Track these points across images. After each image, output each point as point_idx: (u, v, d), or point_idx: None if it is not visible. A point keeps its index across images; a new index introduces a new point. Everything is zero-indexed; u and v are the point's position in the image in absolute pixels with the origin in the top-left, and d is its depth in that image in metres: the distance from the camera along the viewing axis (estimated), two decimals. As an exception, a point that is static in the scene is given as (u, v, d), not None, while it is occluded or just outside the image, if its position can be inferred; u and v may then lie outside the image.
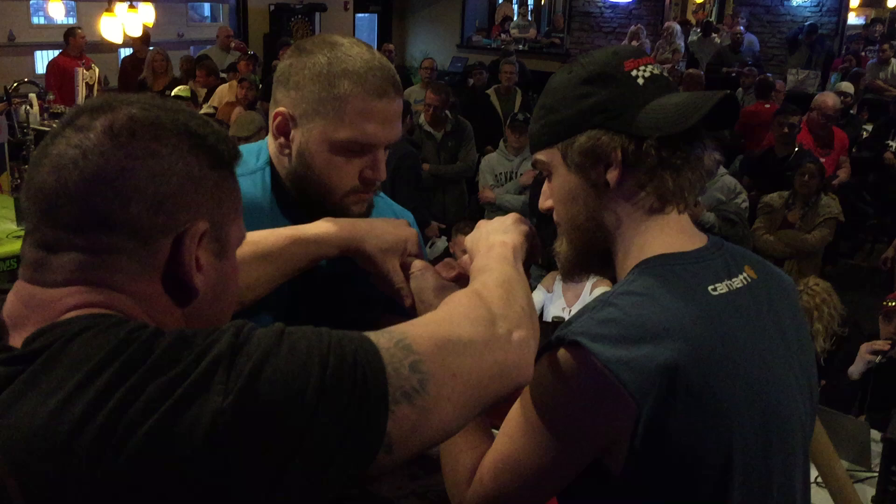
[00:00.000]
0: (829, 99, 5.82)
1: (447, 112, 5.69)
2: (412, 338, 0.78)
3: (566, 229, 1.10)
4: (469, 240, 1.14)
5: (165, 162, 0.77)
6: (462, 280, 1.15)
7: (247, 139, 4.66)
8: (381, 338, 0.77)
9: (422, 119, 5.69)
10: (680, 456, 0.94)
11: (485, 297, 0.89)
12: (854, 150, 6.57)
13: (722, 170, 4.95)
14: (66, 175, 0.74)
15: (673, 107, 1.01)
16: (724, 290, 1.00)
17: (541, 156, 1.10)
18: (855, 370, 3.16)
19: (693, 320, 0.95)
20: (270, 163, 1.31)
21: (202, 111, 5.78)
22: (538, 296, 4.04)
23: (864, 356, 3.16)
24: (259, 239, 1.14)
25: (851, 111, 7.40)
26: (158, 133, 0.77)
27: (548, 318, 3.91)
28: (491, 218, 4.21)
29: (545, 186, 1.12)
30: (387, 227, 1.23)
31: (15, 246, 3.40)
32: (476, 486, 1.04)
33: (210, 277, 0.82)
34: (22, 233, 3.50)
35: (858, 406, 3.16)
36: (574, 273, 1.12)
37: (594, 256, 1.09)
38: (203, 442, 0.66)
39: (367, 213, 1.29)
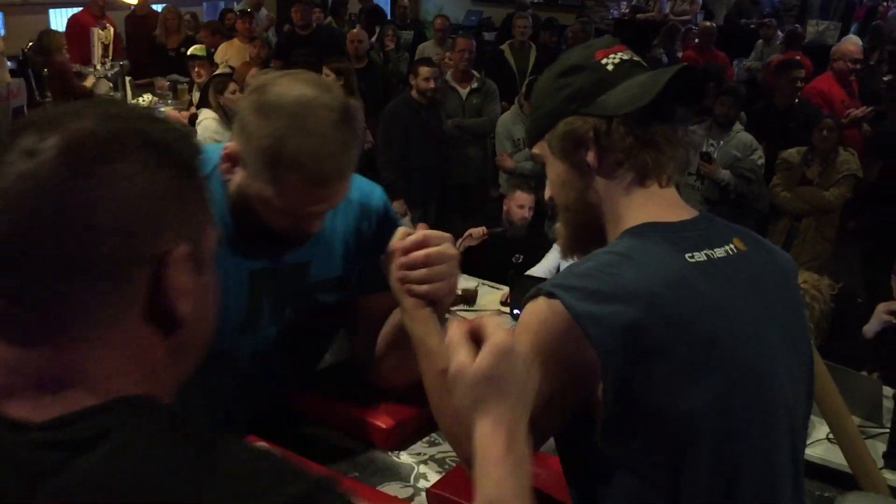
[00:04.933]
0: (850, 45, 5.74)
1: (473, 71, 5.68)
2: None
3: (561, 212, 1.18)
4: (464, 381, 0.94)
5: (133, 185, 0.67)
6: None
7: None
8: None
9: (448, 75, 5.66)
10: (645, 413, 0.99)
11: None
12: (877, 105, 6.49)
13: (737, 126, 4.92)
14: (21, 218, 0.65)
15: (637, 85, 1.09)
16: (702, 259, 1.05)
17: (535, 149, 1.19)
18: (870, 329, 3.18)
19: (664, 283, 1.00)
20: None
21: (218, 71, 5.78)
22: (553, 255, 4.06)
23: (881, 316, 3.16)
24: None
25: (871, 62, 7.30)
26: (119, 152, 0.68)
27: (564, 276, 3.94)
28: (508, 180, 4.17)
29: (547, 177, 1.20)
30: None
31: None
32: None
33: (192, 299, 0.73)
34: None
35: (871, 364, 3.18)
36: (573, 251, 1.19)
37: (588, 234, 1.15)
38: None
39: (315, 230, 1.32)
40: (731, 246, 1.09)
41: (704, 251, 1.05)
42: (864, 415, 2.75)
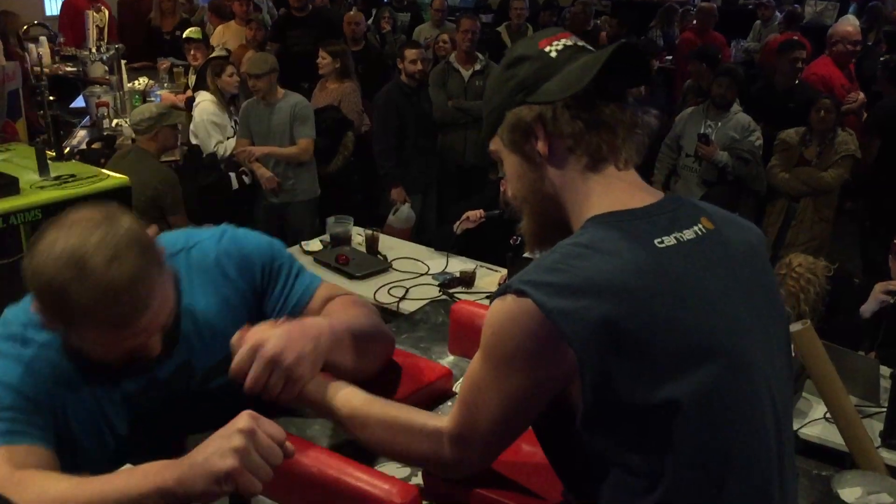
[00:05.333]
0: (849, 27, 5.71)
1: (478, 53, 5.64)
2: None
3: (520, 206, 1.16)
4: None
5: None
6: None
7: (258, 77, 4.63)
8: None
9: (452, 56, 5.62)
10: (626, 407, 0.97)
11: None
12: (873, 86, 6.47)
13: (735, 107, 4.90)
14: None
15: (578, 68, 1.07)
16: (671, 243, 1.02)
17: (491, 146, 1.17)
18: (867, 309, 3.18)
19: (636, 272, 0.98)
20: None
21: (214, 54, 5.75)
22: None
23: (878, 296, 3.17)
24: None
25: (868, 42, 7.26)
26: None
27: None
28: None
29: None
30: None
31: (39, 196, 3.41)
32: (452, 435, 1.11)
33: None
34: (45, 183, 3.52)
35: (869, 343, 3.19)
36: (539, 245, 1.17)
37: (551, 227, 1.13)
38: None
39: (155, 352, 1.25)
40: (700, 226, 1.07)
41: (674, 234, 1.03)
42: (862, 394, 2.76)
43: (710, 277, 1.03)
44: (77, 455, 1.25)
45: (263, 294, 1.41)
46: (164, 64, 6.77)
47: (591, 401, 0.98)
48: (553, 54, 1.10)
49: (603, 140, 1.06)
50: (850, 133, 4.75)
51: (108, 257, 1.11)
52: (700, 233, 1.06)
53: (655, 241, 1.02)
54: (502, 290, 1.01)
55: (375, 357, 1.40)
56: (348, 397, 1.23)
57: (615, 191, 1.07)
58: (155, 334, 1.22)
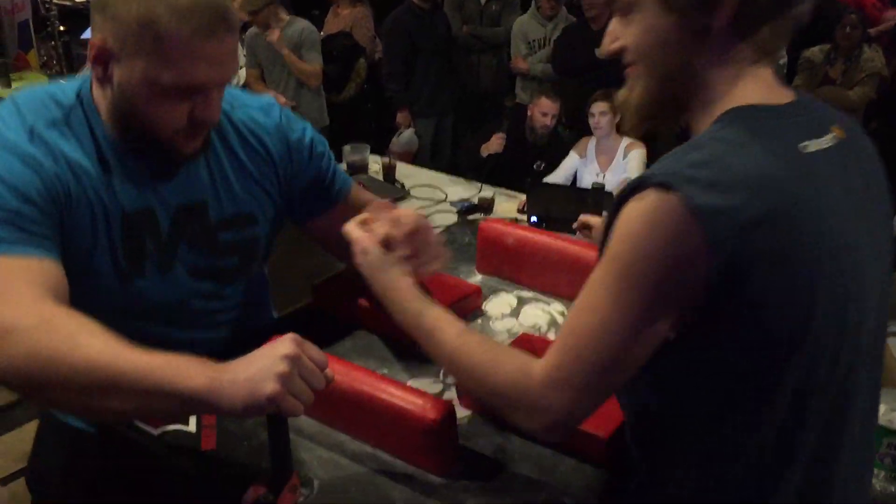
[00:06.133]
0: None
1: None
2: None
3: (645, 76, 0.98)
4: None
5: None
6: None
7: (254, 14, 4.52)
8: None
9: None
10: (750, 319, 0.87)
11: None
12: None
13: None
14: None
15: None
16: (814, 149, 0.92)
17: None
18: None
19: (786, 175, 0.87)
20: (92, 96, 1.21)
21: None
22: (570, 161, 4.01)
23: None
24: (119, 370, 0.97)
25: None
26: None
27: (581, 183, 3.90)
28: (524, 89, 3.99)
29: (614, 24, 0.99)
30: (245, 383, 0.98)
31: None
32: (547, 366, 0.95)
33: None
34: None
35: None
36: (640, 123, 1.01)
37: (665, 101, 0.99)
38: None
39: (201, 150, 1.25)
40: (834, 135, 0.96)
41: (814, 140, 0.93)
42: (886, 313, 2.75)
43: (848, 193, 0.94)
44: (89, 275, 1.22)
45: (299, 171, 1.41)
46: None
47: (710, 310, 0.87)
48: None
49: (773, 32, 0.93)
50: (876, 50, 4.63)
51: None
52: (835, 141, 0.96)
53: (800, 146, 0.91)
54: (635, 185, 0.87)
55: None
56: (447, 320, 1.10)
57: (760, 85, 0.95)
58: (223, 78, 1.19)
